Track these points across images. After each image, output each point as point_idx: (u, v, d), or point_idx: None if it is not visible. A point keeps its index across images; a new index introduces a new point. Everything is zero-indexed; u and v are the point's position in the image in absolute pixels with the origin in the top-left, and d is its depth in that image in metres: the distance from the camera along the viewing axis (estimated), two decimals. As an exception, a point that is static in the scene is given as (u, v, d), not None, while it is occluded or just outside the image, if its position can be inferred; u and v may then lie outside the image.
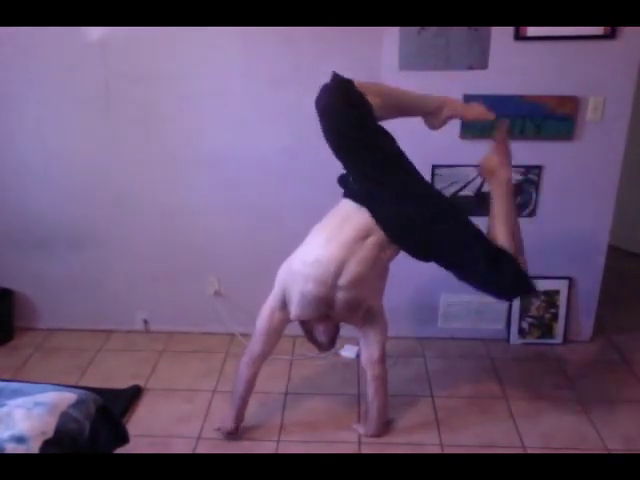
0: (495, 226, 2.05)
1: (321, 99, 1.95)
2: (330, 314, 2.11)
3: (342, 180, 2.13)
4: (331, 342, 2.25)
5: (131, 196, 2.86)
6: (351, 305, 2.07)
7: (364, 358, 2.29)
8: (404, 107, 2.15)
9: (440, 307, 2.98)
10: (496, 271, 1.97)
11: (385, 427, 2.37)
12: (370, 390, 2.30)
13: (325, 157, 2.70)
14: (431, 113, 2.16)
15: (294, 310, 2.11)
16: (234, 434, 2.32)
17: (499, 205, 2.07)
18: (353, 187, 2.08)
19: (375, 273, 2.07)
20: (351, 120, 1.95)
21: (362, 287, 2.05)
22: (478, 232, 2.03)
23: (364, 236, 2.01)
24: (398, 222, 2.01)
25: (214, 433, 2.36)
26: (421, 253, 2.06)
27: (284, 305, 2.14)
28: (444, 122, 2.20)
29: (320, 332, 2.19)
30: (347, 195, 2.10)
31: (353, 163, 2.04)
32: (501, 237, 2.02)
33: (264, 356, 2.26)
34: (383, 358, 2.27)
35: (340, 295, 2.03)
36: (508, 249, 2.00)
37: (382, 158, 2.00)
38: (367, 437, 2.33)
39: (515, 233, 2.06)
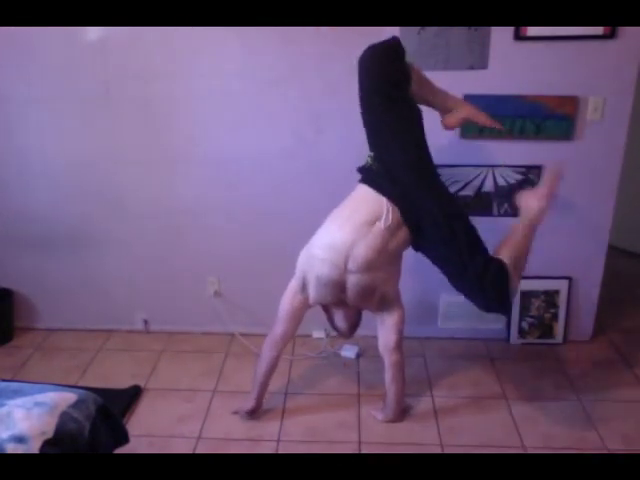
0: (503, 247, 2.09)
1: (375, 52, 2.04)
2: (345, 299, 2.16)
3: (361, 167, 2.19)
4: (351, 329, 2.34)
5: (131, 196, 2.86)
6: (364, 289, 2.12)
7: (381, 345, 2.34)
8: (430, 97, 2.23)
9: (440, 307, 2.98)
10: (484, 280, 1.99)
11: (403, 413, 2.43)
12: (387, 377, 2.36)
13: (325, 157, 2.72)
14: (449, 110, 2.25)
15: (312, 294, 2.19)
16: (253, 413, 2.42)
17: (516, 235, 2.12)
18: (372, 170, 2.13)
19: (384, 259, 2.10)
20: (395, 80, 2.04)
21: (372, 272, 2.09)
22: (478, 239, 2.07)
23: (374, 221, 2.05)
24: (412, 205, 2.06)
25: (214, 433, 2.37)
26: (423, 236, 2.11)
27: (304, 289, 2.21)
28: (460, 123, 2.29)
29: (340, 318, 2.28)
30: (364, 180, 2.15)
31: (381, 126, 2.10)
32: (502, 256, 2.05)
33: (286, 338, 2.33)
34: (400, 345, 2.31)
35: (352, 279, 2.08)
36: (505, 265, 2.02)
37: (410, 128, 2.08)
38: (386, 422, 2.40)
39: (519, 261, 2.08)
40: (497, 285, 2.00)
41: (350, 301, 2.18)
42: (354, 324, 2.34)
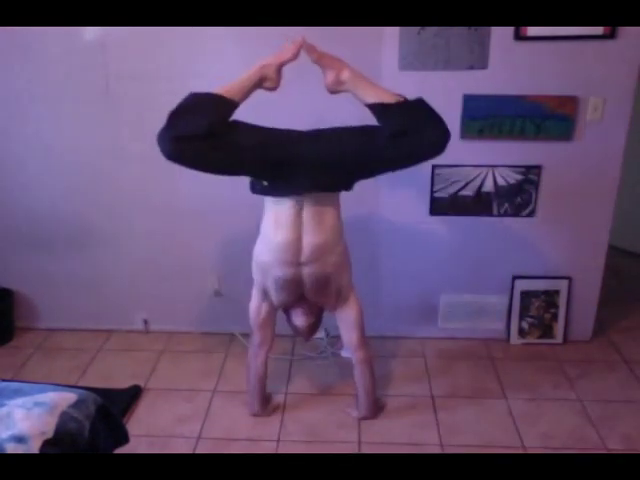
0: (375, 97, 2.01)
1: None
2: (304, 294, 2.23)
3: (252, 188, 2.20)
4: (310, 328, 2.37)
5: (131, 196, 2.86)
6: (319, 279, 2.17)
7: (345, 343, 2.39)
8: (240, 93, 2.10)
9: (440, 307, 2.98)
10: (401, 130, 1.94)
11: (377, 409, 2.45)
12: (356, 373, 2.39)
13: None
14: (262, 81, 2.12)
15: (274, 298, 2.27)
16: (265, 414, 2.47)
17: (363, 90, 2.04)
18: (260, 187, 2.14)
19: (331, 239, 2.13)
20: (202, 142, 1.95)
21: (324, 258, 2.13)
22: (353, 128, 2.06)
23: (298, 214, 2.09)
24: (309, 175, 2.03)
25: (214, 433, 2.37)
26: (342, 182, 2.13)
27: (266, 297, 2.29)
28: (278, 78, 2.14)
29: (298, 315, 2.34)
30: (264, 194, 2.16)
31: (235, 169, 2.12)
32: (383, 96, 2.00)
33: (265, 344, 2.39)
34: (362, 342, 2.34)
35: (306, 271, 2.14)
36: (394, 99, 1.98)
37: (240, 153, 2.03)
38: (361, 420, 2.42)
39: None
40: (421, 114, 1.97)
41: (309, 295, 2.24)
42: (313, 325, 2.38)
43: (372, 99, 2.00)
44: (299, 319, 2.35)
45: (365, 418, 2.43)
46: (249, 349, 2.44)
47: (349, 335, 2.33)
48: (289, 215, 2.09)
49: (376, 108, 1.99)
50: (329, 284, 2.21)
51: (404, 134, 1.93)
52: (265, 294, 2.29)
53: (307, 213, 2.10)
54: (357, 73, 2.06)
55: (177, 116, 1.94)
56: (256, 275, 2.27)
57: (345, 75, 2.05)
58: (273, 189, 2.11)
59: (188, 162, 1.99)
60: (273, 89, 2.17)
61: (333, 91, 2.12)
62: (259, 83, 2.11)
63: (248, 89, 2.08)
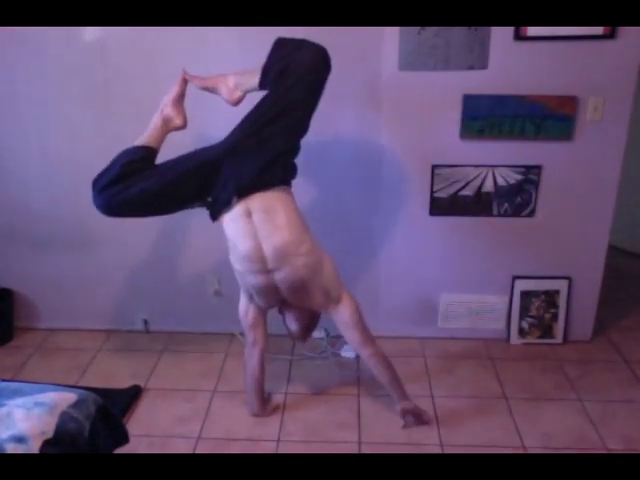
0: (258, 75, 2.13)
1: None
2: (286, 298, 2.22)
3: (211, 215, 2.22)
4: (304, 332, 2.37)
5: (131, 196, 2.86)
6: (293, 284, 2.14)
7: (348, 343, 2.38)
8: None
9: (440, 307, 2.98)
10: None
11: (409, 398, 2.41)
12: (372, 370, 2.36)
13: (325, 156, 2.72)
14: (168, 123, 2.25)
15: (258, 302, 2.30)
16: (265, 414, 2.47)
17: (251, 80, 2.15)
18: (209, 201, 2.18)
19: (291, 239, 2.09)
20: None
21: (291, 261, 2.09)
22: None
23: (248, 219, 2.09)
24: (242, 176, 2.08)
25: (214, 433, 2.37)
26: (262, 166, 2.09)
27: (252, 298, 2.31)
28: (180, 114, 2.26)
29: (291, 320, 2.34)
30: (216, 214, 2.18)
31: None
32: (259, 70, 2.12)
33: (258, 344, 2.41)
34: (365, 339, 2.29)
35: (277, 277, 2.13)
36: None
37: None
38: (406, 413, 2.37)
39: None
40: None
41: (290, 300, 2.22)
42: (306, 327, 2.36)
43: (257, 79, 2.11)
44: (291, 324, 2.35)
45: (411, 411, 2.37)
46: (245, 350, 2.46)
47: (349, 335, 2.29)
48: (241, 224, 2.09)
49: (263, 82, 2.10)
50: (306, 287, 2.15)
51: (286, 70, 2.02)
52: (251, 297, 2.31)
53: (256, 217, 2.08)
54: (238, 73, 2.19)
55: (98, 176, 2.12)
56: (239, 279, 2.27)
57: (232, 81, 2.19)
58: (215, 205, 2.14)
59: (124, 207, 2.11)
60: (182, 127, 2.26)
61: (234, 101, 2.22)
62: (165, 125, 2.22)
63: (158, 133, 2.22)
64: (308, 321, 2.35)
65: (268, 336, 2.44)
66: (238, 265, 2.17)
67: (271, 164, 2.08)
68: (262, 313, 2.37)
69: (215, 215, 2.18)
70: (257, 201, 2.08)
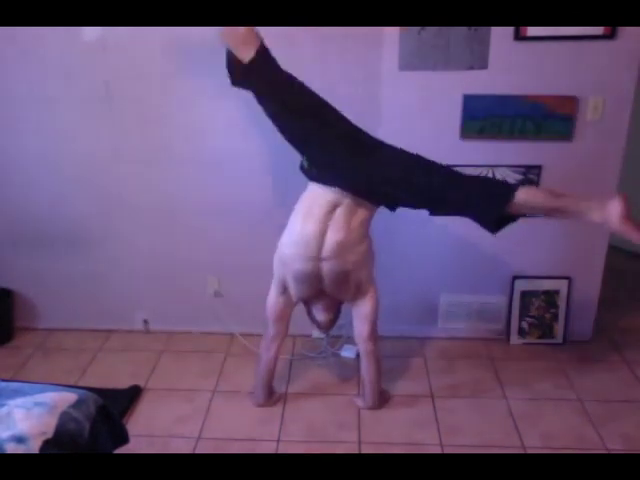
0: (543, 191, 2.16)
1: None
2: (323, 288, 2.25)
3: (301, 168, 2.25)
4: (330, 322, 2.43)
5: (131, 196, 2.86)
6: (338, 275, 2.19)
7: (355, 334, 2.41)
8: None
9: (440, 307, 2.98)
10: (462, 191, 2.10)
11: (381, 400, 2.49)
12: (362, 364, 2.44)
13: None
14: None
15: (293, 292, 2.30)
16: (268, 405, 2.52)
17: (564, 196, 2.14)
18: (310, 170, 2.20)
19: (354, 239, 2.17)
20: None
21: (345, 255, 2.16)
22: (429, 162, 2.14)
23: (332, 209, 2.13)
24: (357, 180, 2.12)
25: (214, 433, 2.37)
26: (389, 200, 2.19)
27: (285, 290, 2.32)
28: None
29: (319, 310, 2.39)
30: (310, 179, 2.21)
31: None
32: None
33: (279, 338, 2.43)
34: (373, 335, 2.37)
35: (326, 266, 2.16)
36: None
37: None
38: (366, 409, 2.47)
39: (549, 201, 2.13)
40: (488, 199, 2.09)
41: (328, 290, 2.26)
42: (333, 318, 2.43)
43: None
44: (320, 314, 2.39)
45: (369, 408, 2.47)
46: (262, 342, 2.47)
47: (361, 327, 2.36)
48: (324, 207, 2.13)
49: None
50: (348, 280, 2.23)
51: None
52: (284, 288, 2.31)
53: (341, 210, 2.14)
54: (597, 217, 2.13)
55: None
56: (276, 267, 2.29)
57: (613, 215, 2.08)
58: (322, 176, 2.15)
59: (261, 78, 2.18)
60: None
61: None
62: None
63: None
64: (336, 312, 2.42)
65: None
66: (290, 249, 2.19)
67: (392, 195, 2.15)
68: (290, 307, 2.38)
69: (310, 177, 2.20)
70: (355, 201, 2.14)
